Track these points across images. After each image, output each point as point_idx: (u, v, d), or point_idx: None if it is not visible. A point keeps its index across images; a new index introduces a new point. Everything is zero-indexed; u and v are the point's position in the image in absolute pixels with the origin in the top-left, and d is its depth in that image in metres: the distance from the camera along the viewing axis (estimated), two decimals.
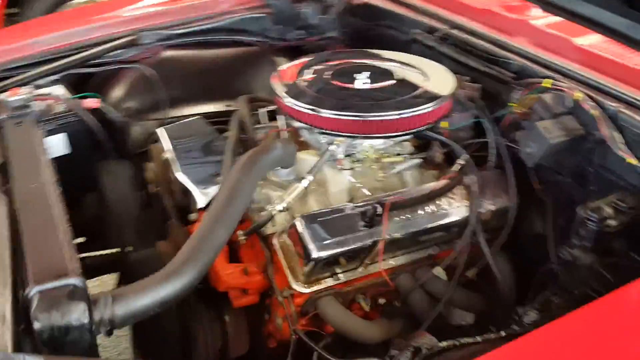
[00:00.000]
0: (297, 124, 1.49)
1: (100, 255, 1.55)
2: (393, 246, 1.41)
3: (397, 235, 1.37)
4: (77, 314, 0.91)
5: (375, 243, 1.35)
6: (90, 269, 1.71)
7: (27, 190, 1.18)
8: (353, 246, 1.33)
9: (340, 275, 1.40)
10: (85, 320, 0.92)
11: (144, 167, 1.67)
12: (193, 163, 1.52)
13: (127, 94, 2.03)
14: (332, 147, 1.46)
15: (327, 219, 1.35)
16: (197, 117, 1.74)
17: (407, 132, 1.46)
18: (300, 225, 1.32)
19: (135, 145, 1.92)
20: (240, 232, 1.46)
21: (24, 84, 1.71)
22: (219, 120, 1.81)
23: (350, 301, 1.44)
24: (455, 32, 1.84)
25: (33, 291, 0.93)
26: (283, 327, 1.42)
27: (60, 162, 1.71)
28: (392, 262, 1.46)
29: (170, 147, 1.56)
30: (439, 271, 1.44)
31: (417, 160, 1.59)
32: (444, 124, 1.57)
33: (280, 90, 1.52)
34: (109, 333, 0.95)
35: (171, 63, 2.10)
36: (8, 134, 1.41)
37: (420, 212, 1.43)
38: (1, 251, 1.01)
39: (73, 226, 1.86)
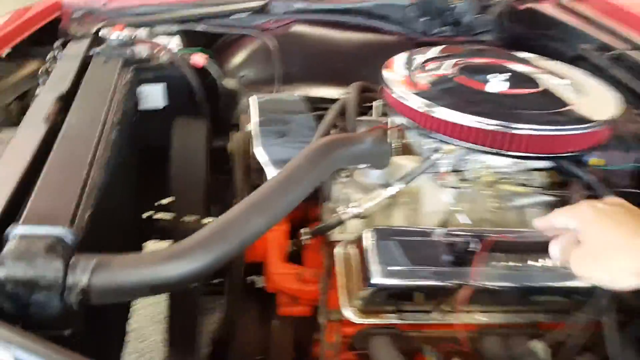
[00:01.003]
0: (400, 120, 1.22)
1: (161, 218, 1.40)
2: (485, 298, 1.09)
3: (490, 285, 1.05)
4: (48, 271, 0.75)
5: (458, 287, 1.04)
6: (156, 231, 1.59)
7: (75, 127, 1.06)
8: (428, 283, 1.04)
9: (408, 315, 1.11)
10: (56, 282, 0.75)
11: (231, 137, 1.51)
12: (276, 141, 1.32)
13: (245, 62, 1.90)
14: (435, 156, 1.17)
15: (404, 240, 1.07)
16: (297, 94, 1.53)
17: (540, 156, 1.13)
18: (368, 239, 1.06)
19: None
20: (304, 231, 1.23)
21: (137, 26, 1.64)
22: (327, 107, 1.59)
23: (414, 350, 1.15)
24: (634, 54, 1.45)
25: (13, 232, 0.78)
26: (326, 356, 1.16)
27: (153, 115, 1.64)
28: (481, 318, 1.14)
29: (257, 119, 1.37)
30: (538, 346, 1.09)
31: (547, 198, 1.23)
32: (598, 162, 1.21)
33: (388, 78, 1.26)
34: (82, 305, 0.77)
35: (297, 38, 1.93)
36: (91, 67, 1.31)
37: (532, 263, 1.08)
38: (6, 183, 0.87)
39: (164, 184, 1.79)
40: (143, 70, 1.54)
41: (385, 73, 1.29)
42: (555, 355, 1.08)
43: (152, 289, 0.79)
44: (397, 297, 1.09)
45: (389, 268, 1.03)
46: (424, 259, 1.06)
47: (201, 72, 1.71)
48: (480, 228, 1.14)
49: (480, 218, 1.20)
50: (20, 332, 0.67)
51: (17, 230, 0.77)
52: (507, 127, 1.08)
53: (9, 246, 0.76)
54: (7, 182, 0.86)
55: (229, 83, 1.79)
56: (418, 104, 1.16)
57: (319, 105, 1.57)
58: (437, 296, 1.08)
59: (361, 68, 1.88)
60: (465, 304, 1.07)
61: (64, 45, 1.46)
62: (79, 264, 0.76)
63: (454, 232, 1.09)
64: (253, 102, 1.42)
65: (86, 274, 0.76)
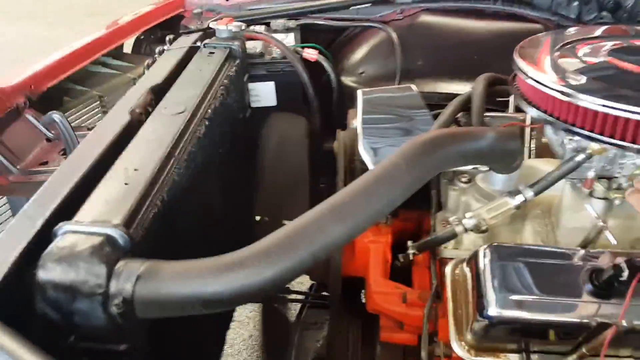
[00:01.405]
0: (535, 113, 1.00)
1: (260, 220, 1.30)
2: (637, 341, 0.83)
3: None
4: (90, 276, 0.66)
5: (603, 327, 0.79)
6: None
7: (158, 120, 0.99)
8: (562, 319, 0.81)
9: (536, 357, 0.88)
10: (97, 289, 0.66)
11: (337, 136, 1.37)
12: (384, 140, 1.15)
13: (365, 58, 1.75)
14: (580, 158, 0.92)
15: (531, 262, 0.85)
16: (410, 86, 1.35)
17: None
18: (483, 258, 0.85)
19: None
20: (410, 244, 1.05)
21: (255, 22, 1.58)
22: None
23: None
24: None
25: (62, 229, 0.71)
26: None
27: (265, 113, 1.56)
28: None
29: (362, 116, 1.21)
30: None
31: None
32: None
33: (523, 62, 1.04)
34: (124, 317, 0.67)
35: (425, 29, 1.75)
36: (193, 59, 1.25)
37: None
38: (69, 178, 0.81)
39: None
40: (254, 66, 1.47)
41: (517, 56, 1.07)
42: None
43: (205, 304, 0.67)
44: (521, 333, 0.87)
45: (510, 297, 0.82)
46: (558, 288, 0.83)
47: (317, 70, 1.60)
48: (632, 251, 0.87)
49: (636, 238, 0.93)
50: (25, 346, 0.58)
51: (65, 228, 0.70)
52: None
53: (52, 245, 0.68)
54: (70, 178, 0.80)
55: (347, 80, 1.66)
56: (559, 91, 0.93)
57: (442, 103, 1.38)
58: (575, 335, 0.84)
59: (499, 61, 1.64)
60: (612, 348, 0.82)
61: (175, 39, 1.43)
62: (124, 270, 0.67)
63: (597, 255, 0.84)
64: (360, 96, 1.27)
65: (130, 281, 0.66)
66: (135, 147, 0.89)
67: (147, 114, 1.01)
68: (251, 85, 1.51)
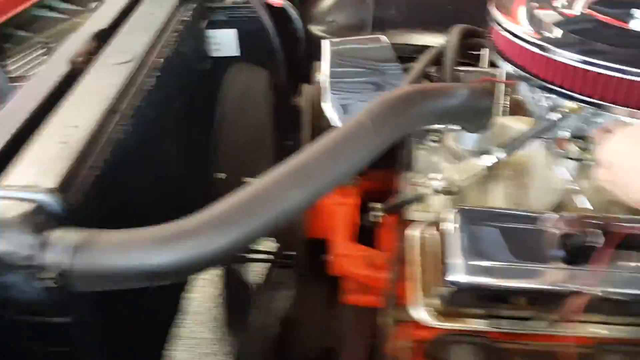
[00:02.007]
0: (510, 69, 0.94)
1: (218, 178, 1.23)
2: (608, 306, 0.81)
3: (615, 292, 0.76)
4: (20, 248, 0.60)
5: (575, 294, 0.77)
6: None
7: (101, 70, 0.90)
8: (529, 286, 0.78)
9: (503, 322, 0.86)
10: (29, 262, 0.60)
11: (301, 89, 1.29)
12: (351, 95, 1.09)
13: (336, 5, 1.66)
14: (553, 116, 0.88)
15: (501, 227, 0.81)
16: (381, 37, 1.28)
17: None
18: (451, 221, 0.81)
19: None
20: (376, 205, 1.01)
21: None
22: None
23: None
24: None
25: None
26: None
27: (227, 64, 1.47)
28: (600, 330, 0.85)
29: (329, 68, 1.14)
30: None
31: None
32: None
33: (499, 14, 0.97)
34: (61, 290, 0.61)
35: None
36: (143, 2, 1.15)
37: None
38: None
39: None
40: (213, 11, 1.37)
41: (494, 8, 1.00)
42: None
43: (150, 276, 0.61)
44: (490, 299, 0.84)
45: (475, 263, 0.78)
46: (528, 254, 0.80)
47: (283, 17, 1.51)
48: (606, 215, 0.84)
49: (608, 201, 0.90)
50: None
51: None
52: None
53: None
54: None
55: (315, 29, 1.57)
56: (537, 45, 0.87)
57: (414, 55, 1.31)
58: (545, 302, 0.82)
59: (474, 11, 1.57)
60: (579, 313, 0.80)
61: None
62: (59, 241, 0.60)
63: (569, 219, 0.81)
64: (325, 46, 1.19)
65: (66, 253, 0.60)
66: (74, 101, 0.81)
67: (90, 63, 0.92)
68: (211, 33, 1.41)
